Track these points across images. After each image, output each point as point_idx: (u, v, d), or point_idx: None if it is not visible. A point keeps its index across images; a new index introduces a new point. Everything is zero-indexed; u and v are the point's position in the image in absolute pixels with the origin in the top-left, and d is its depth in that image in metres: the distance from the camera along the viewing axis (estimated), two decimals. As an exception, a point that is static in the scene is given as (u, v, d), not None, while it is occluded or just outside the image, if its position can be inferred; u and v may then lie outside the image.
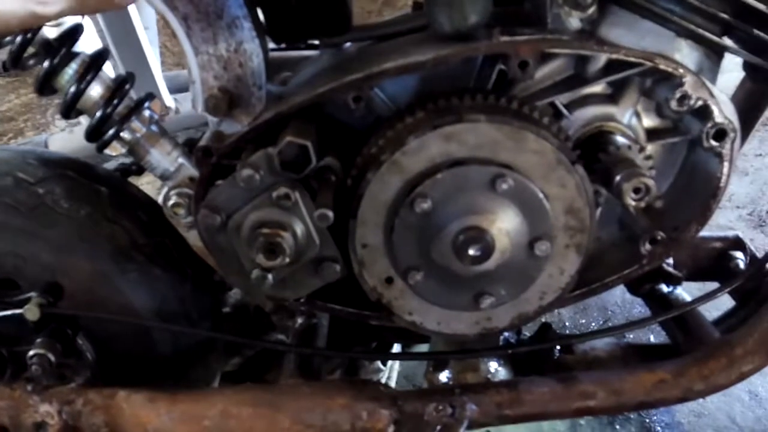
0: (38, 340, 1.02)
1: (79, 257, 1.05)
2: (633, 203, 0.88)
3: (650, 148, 0.96)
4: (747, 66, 1.00)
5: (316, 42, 1.03)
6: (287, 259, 0.89)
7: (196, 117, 1.54)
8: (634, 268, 1.01)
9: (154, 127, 0.99)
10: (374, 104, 0.93)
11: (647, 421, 1.70)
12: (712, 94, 0.88)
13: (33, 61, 0.95)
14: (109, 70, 1.00)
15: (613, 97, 0.95)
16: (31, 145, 2.68)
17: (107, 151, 1.02)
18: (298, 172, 0.88)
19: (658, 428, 1.68)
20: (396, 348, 1.48)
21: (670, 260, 1.28)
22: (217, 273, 1.05)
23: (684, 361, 1.07)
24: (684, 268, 1.30)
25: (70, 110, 0.96)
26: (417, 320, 0.99)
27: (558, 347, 1.20)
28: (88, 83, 0.95)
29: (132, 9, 2.49)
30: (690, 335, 1.17)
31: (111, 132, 0.96)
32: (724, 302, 1.31)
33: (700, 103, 0.88)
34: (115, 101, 0.96)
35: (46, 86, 0.96)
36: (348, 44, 1.02)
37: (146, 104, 0.99)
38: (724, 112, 0.89)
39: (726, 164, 0.92)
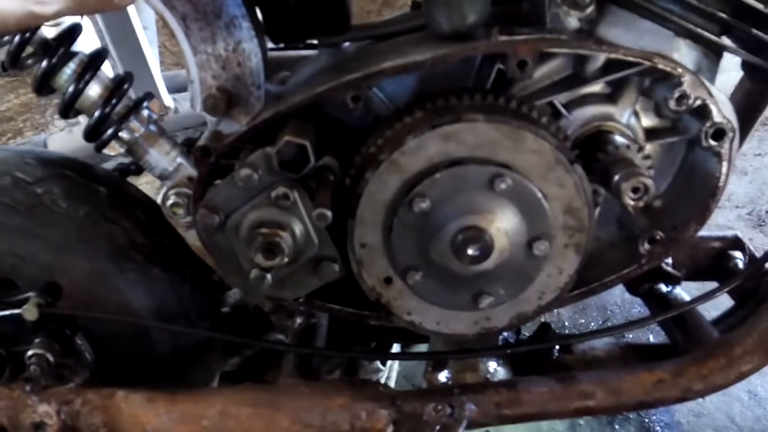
0: (37, 340, 1.02)
1: (77, 257, 1.05)
2: (632, 203, 0.88)
3: (649, 148, 0.96)
4: (746, 65, 1.00)
5: (315, 41, 1.03)
6: (286, 259, 0.89)
7: (194, 117, 1.54)
8: (633, 268, 1.01)
9: (152, 127, 0.99)
10: (373, 104, 0.93)
11: (646, 420, 1.70)
12: (710, 94, 0.88)
13: (31, 61, 0.95)
14: (107, 69, 1.00)
15: (611, 96, 0.95)
16: (30, 145, 2.68)
17: (106, 151, 1.01)
18: (296, 172, 0.88)
19: (658, 428, 1.68)
20: (395, 348, 1.48)
21: (669, 260, 1.28)
22: (215, 273, 1.05)
23: (683, 361, 1.07)
24: (683, 267, 1.30)
25: (68, 110, 0.96)
26: (416, 320, 0.98)
27: (557, 347, 1.20)
28: (87, 83, 0.94)
29: (131, 9, 2.49)
30: (689, 335, 1.17)
31: (109, 132, 0.96)
32: (723, 302, 1.31)
33: (698, 102, 0.88)
34: (114, 101, 0.96)
35: (44, 86, 0.95)
36: (347, 44, 1.02)
37: (145, 104, 0.99)
38: (723, 111, 0.89)
39: (725, 164, 0.92)
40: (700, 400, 1.47)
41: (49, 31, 0.95)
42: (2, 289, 1.08)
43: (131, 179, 1.23)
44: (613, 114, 0.95)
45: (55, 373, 1.04)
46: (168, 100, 2.74)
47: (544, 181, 0.88)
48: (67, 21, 0.96)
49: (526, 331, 1.27)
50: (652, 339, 1.89)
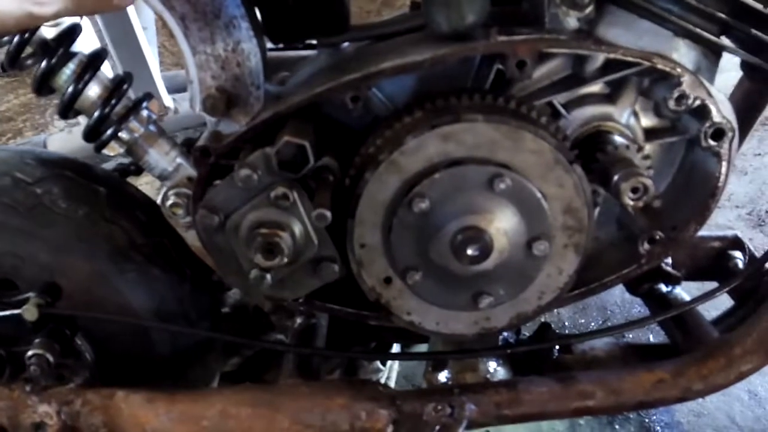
0: (37, 341, 1.02)
1: (77, 257, 1.05)
2: (631, 203, 0.88)
3: (648, 148, 0.96)
4: (745, 65, 1.00)
5: (314, 42, 1.03)
6: (285, 259, 0.89)
7: (194, 117, 1.54)
8: (632, 268, 1.01)
9: (152, 127, 0.99)
10: (372, 104, 0.93)
11: (646, 420, 1.70)
12: (710, 94, 0.88)
13: (31, 61, 0.95)
14: (107, 70, 1.00)
15: (611, 96, 0.95)
16: (29, 146, 2.68)
17: (105, 151, 1.01)
18: (296, 172, 0.88)
19: (658, 428, 1.68)
20: (395, 348, 1.48)
21: (669, 260, 1.28)
22: (215, 273, 1.05)
23: (683, 361, 1.07)
24: (683, 267, 1.30)
25: (67, 110, 0.96)
26: (416, 320, 0.98)
27: (557, 347, 1.20)
28: (86, 83, 0.94)
29: (130, 9, 2.49)
30: (689, 335, 1.17)
31: (109, 132, 0.96)
32: (723, 302, 1.31)
33: (698, 102, 0.88)
34: (113, 101, 0.95)
35: (43, 86, 0.95)
36: (346, 44, 1.02)
37: (144, 104, 0.99)
38: (722, 111, 0.89)
39: (724, 164, 0.92)
40: (700, 400, 1.47)
41: (48, 32, 0.95)
42: (2, 289, 1.08)
43: (131, 179, 1.23)
44: (613, 114, 0.95)
45: (55, 374, 1.04)
46: (167, 100, 2.74)
47: (544, 181, 0.88)
48: (67, 21, 0.96)
49: (526, 331, 1.27)
50: (652, 339, 1.89)
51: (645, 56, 0.87)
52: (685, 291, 1.28)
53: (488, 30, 0.88)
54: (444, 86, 0.92)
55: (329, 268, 0.94)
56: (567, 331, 1.98)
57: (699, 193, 0.96)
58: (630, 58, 0.87)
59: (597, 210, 0.96)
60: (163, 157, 0.99)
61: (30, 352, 1.02)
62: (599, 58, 0.89)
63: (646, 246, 0.98)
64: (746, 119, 1.15)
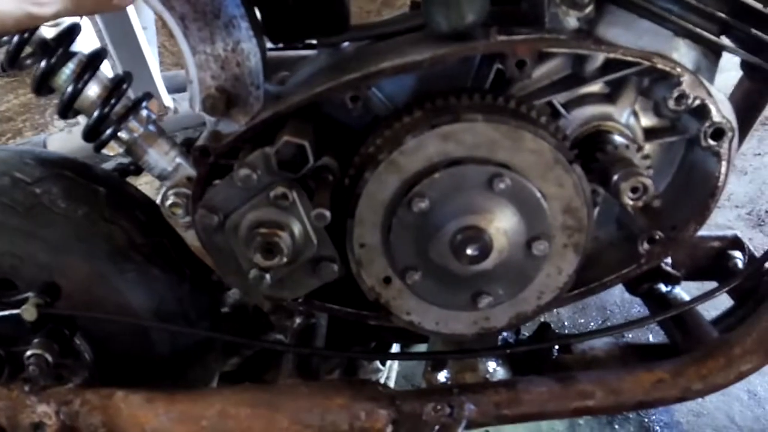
0: (35, 341, 1.02)
1: (76, 257, 1.05)
2: (631, 202, 0.88)
3: (648, 148, 0.96)
4: (745, 65, 1.00)
5: (314, 41, 1.03)
6: (285, 259, 0.89)
7: (194, 117, 1.54)
8: (632, 268, 1.01)
9: (151, 127, 0.99)
10: (372, 104, 0.93)
11: (646, 420, 1.70)
12: (709, 94, 0.88)
13: (30, 61, 0.95)
14: (107, 69, 1.00)
15: (610, 96, 0.95)
16: (29, 145, 2.68)
17: (105, 151, 1.01)
18: (295, 172, 0.88)
19: (657, 428, 1.68)
20: (395, 348, 1.48)
21: (669, 260, 1.28)
22: (215, 273, 1.05)
23: (682, 361, 1.07)
24: (682, 267, 1.30)
25: (67, 110, 0.96)
26: (415, 320, 0.98)
27: (556, 347, 1.20)
28: (86, 83, 0.94)
29: (130, 9, 2.49)
30: (688, 335, 1.17)
31: (108, 132, 0.96)
32: (723, 302, 1.31)
33: (697, 102, 0.88)
34: (113, 101, 0.95)
35: (43, 86, 0.95)
36: (346, 44, 1.01)
37: (144, 104, 0.99)
38: (722, 111, 0.89)
39: (724, 163, 0.92)
40: (700, 399, 1.47)
41: (48, 32, 0.95)
42: (1, 289, 1.08)
43: (130, 179, 1.23)
44: (612, 114, 0.95)
45: (54, 374, 1.04)
46: (167, 100, 2.74)
47: (543, 181, 0.88)
48: (66, 21, 0.96)
49: (526, 331, 1.27)
50: (651, 339, 1.89)
51: (645, 56, 0.87)
52: (684, 291, 1.28)
53: (488, 30, 0.88)
54: (444, 86, 0.92)
55: (329, 267, 0.94)
56: (566, 331, 1.98)
57: (699, 192, 0.96)
58: (630, 58, 0.87)
59: (597, 210, 0.96)
60: (162, 156, 0.99)
61: (29, 352, 1.01)
62: (599, 57, 0.89)
63: (646, 246, 0.98)
64: (746, 119, 1.15)
